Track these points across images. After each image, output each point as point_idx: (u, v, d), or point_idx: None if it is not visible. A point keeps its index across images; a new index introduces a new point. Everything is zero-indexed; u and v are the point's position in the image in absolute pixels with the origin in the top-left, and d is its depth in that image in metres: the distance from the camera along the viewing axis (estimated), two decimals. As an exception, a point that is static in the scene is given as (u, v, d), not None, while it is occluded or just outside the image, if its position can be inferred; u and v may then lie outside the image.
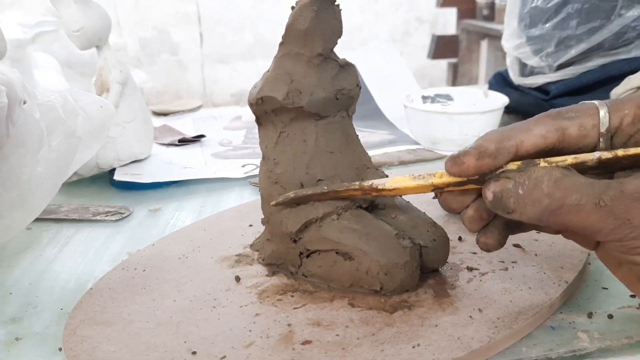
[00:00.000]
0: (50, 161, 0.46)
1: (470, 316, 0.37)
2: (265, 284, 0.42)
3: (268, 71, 0.41)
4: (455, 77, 2.41)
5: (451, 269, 0.42)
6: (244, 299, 0.40)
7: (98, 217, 0.57)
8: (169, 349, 0.35)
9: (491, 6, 2.21)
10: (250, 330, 0.36)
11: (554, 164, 0.31)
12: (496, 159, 0.32)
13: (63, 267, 0.48)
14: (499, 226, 0.34)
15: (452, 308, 0.38)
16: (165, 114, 0.93)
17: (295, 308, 0.39)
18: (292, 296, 0.40)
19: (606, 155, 0.31)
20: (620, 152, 0.31)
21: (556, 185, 0.29)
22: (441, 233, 0.41)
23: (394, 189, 0.37)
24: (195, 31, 3.00)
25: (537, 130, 0.32)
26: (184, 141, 0.78)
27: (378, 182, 0.37)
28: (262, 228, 0.47)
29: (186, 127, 0.86)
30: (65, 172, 0.49)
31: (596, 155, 0.31)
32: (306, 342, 0.35)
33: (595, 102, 0.32)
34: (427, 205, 0.52)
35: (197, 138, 0.80)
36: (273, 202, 0.41)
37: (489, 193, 0.31)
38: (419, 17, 3.08)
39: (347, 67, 0.42)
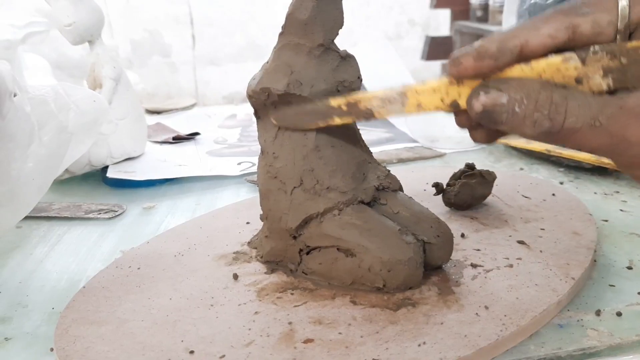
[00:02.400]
0: (41, 157, 0.45)
1: (477, 313, 0.36)
2: (264, 282, 0.41)
3: (267, 62, 0.40)
4: (449, 79, 2.40)
5: (455, 266, 0.41)
6: (242, 297, 0.39)
7: (90, 215, 0.56)
8: (166, 348, 0.34)
9: (485, 7, 2.21)
10: (249, 329, 0.35)
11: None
12: (497, 60, 0.29)
13: (54, 265, 0.47)
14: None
15: (458, 305, 0.37)
16: (158, 112, 0.92)
17: (295, 306, 0.38)
18: (292, 294, 0.39)
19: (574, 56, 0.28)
20: (617, 46, 0.28)
21: (557, 109, 0.28)
22: (445, 229, 0.40)
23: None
24: (187, 33, 2.98)
25: (546, 29, 0.29)
26: (178, 139, 0.77)
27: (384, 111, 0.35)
28: (259, 225, 0.46)
29: (180, 125, 0.85)
30: (57, 169, 0.47)
31: (571, 63, 0.29)
32: (308, 341, 0.34)
33: None
34: (430, 201, 0.51)
35: (192, 136, 0.79)
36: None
37: (477, 104, 0.29)
38: (411, 19, 3.08)
39: (348, 59, 0.40)
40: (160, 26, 2.92)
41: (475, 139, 0.34)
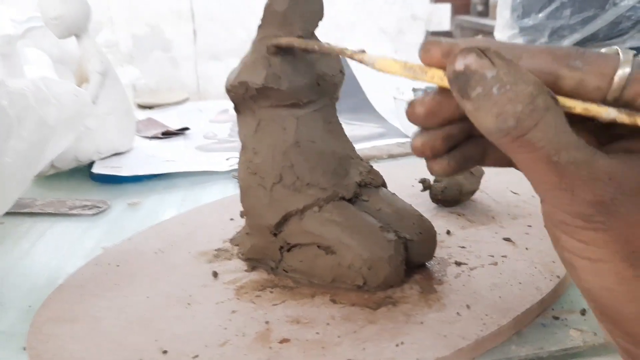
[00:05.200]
0: (20, 152, 0.44)
1: (458, 313, 0.35)
2: (243, 280, 0.40)
3: (246, 56, 0.39)
4: (449, 74, 2.39)
5: (438, 263, 0.40)
6: (220, 295, 0.38)
7: (74, 211, 0.55)
8: (139, 348, 0.33)
9: (485, 2, 2.19)
10: (225, 328, 0.35)
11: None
12: None
13: (34, 262, 0.46)
14: (455, 156, 0.29)
15: (439, 304, 0.36)
16: (150, 107, 0.91)
17: (274, 305, 0.37)
18: (271, 292, 0.38)
19: (623, 119, 0.23)
20: None
21: (531, 114, 0.23)
22: (428, 226, 0.40)
23: (380, 69, 0.30)
24: (189, 28, 2.98)
25: (526, 63, 0.25)
26: (167, 134, 0.76)
27: (367, 58, 0.31)
28: (243, 222, 0.45)
29: (171, 120, 0.84)
30: (37, 164, 0.47)
31: (611, 114, 0.24)
32: (284, 341, 0.33)
33: (621, 55, 0.24)
34: (418, 198, 0.50)
35: (182, 131, 0.78)
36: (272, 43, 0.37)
37: (460, 62, 0.24)
38: (413, 14, 3.06)
39: (329, 52, 0.39)
40: (161, 21, 2.91)
41: (432, 170, 0.30)
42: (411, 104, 0.28)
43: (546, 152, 0.23)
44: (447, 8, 2.58)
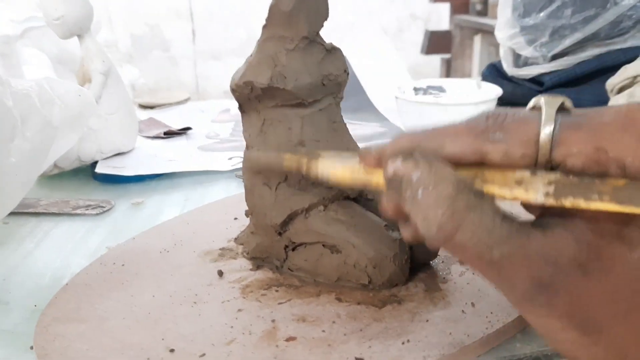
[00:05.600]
0: (24, 152, 0.44)
1: (463, 311, 0.35)
2: (249, 279, 0.40)
3: (251, 55, 0.39)
4: (449, 73, 2.39)
5: (442, 262, 0.41)
6: (226, 294, 0.38)
7: (78, 211, 0.55)
8: (146, 347, 0.33)
9: (484, 1, 2.20)
10: (231, 327, 0.35)
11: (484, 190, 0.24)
12: None
13: (38, 262, 0.46)
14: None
15: (444, 302, 0.36)
16: (151, 107, 0.91)
17: (279, 303, 0.37)
18: (276, 291, 0.38)
19: (551, 202, 0.23)
20: (573, 202, 0.22)
21: (452, 218, 0.22)
22: (432, 225, 0.40)
23: (335, 181, 0.31)
24: (188, 27, 2.97)
25: (451, 148, 0.25)
26: (169, 134, 0.76)
27: (320, 171, 0.31)
28: (247, 221, 0.45)
29: (173, 120, 0.84)
30: (42, 164, 0.47)
31: (539, 199, 0.23)
32: (290, 339, 0.33)
33: (543, 113, 0.23)
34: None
35: (184, 130, 0.78)
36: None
37: (391, 167, 0.25)
38: (413, 13, 3.06)
39: (334, 52, 0.40)
40: (160, 20, 2.91)
41: (404, 235, 0.28)
42: (364, 152, 0.28)
43: (477, 252, 0.22)
44: (446, 7, 2.58)
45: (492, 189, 0.24)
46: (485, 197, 0.23)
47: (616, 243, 0.22)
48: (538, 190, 0.23)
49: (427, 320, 0.34)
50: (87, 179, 0.64)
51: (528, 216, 0.24)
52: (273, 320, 0.35)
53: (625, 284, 0.21)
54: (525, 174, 0.23)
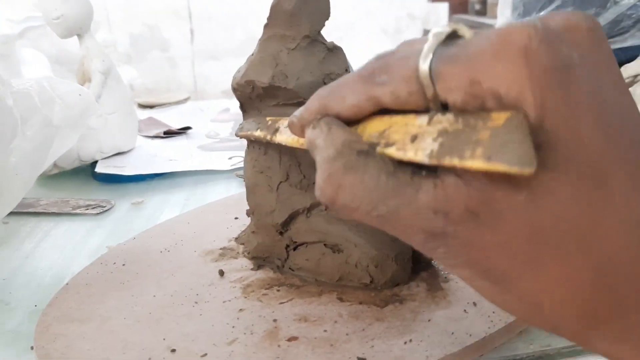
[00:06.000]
0: (25, 151, 0.44)
1: (465, 310, 0.35)
2: (250, 278, 0.40)
3: (253, 54, 0.39)
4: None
5: (444, 261, 0.41)
6: (227, 293, 0.38)
7: (78, 211, 0.55)
8: (147, 346, 0.33)
9: (483, 1, 2.20)
10: (233, 327, 0.35)
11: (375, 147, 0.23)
12: None
13: (39, 262, 0.46)
14: None
15: (446, 302, 0.36)
16: (151, 107, 0.91)
17: (281, 303, 0.37)
18: (278, 291, 0.38)
19: (432, 161, 0.20)
20: (450, 162, 0.20)
21: (329, 180, 0.22)
22: (434, 224, 0.40)
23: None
24: (186, 27, 2.97)
25: (350, 100, 0.24)
26: (169, 133, 0.76)
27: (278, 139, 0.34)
28: (248, 221, 0.45)
29: (172, 119, 0.84)
30: (42, 164, 0.47)
31: (425, 160, 0.21)
32: (292, 339, 0.33)
33: (424, 50, 0.21)
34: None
35: (183, 130, 0.78)
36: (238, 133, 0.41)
37: (306, 138, 0.25)
38: (411, 13, 3.06)
39: (335, 51, 0.40)
40: (158, 21, 2.91)
41: None
42: (290, 122, 0.28)
43: (364, 211, 0.22)
44: (444, 7, 2.58)
45: (390, 151, 0.22)
46: (370, 154, 0.22)
47: (503, 186, 0.19)
48: (425, 149, 0.21)
49: (430, 320, 0.34)
50: (87, 179, 0.64)
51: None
52: (275, 320, 0.35)
53: (517, 232, 0.20)
54: (423, 121, 0.21)
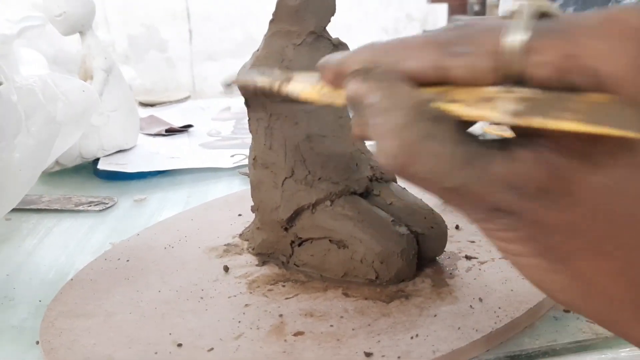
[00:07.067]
0: (28, 148, 0.44)
1: (471, 306, 0.35)
2: (255, 274, 0.40)
3: (258, 50, 0.39)
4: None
5: (449, 257, 0.41)
6: (232, 289, 0.38)
7: (81, 208, 0.55)
8: (153, 341, 0.33)
9: (482, 2, 2.20)
10: (239, 322, 0.35)
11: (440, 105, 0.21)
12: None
13: (42, 258, 0.46)
14: None
15: (451, 297, 0.36)
16: (152, 105, 0.91)
17: (286, 298, 0.37)
18: (283, 286, 0.38)
19: (518, 122, 0.19)
20: (542, 122, 0.18)
21: (405, 149, 0.20)
22: (439, 220, 0.40)
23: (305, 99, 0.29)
24: (184, 28, 2.96)
25: (412, 63, 0.21)
26: (171, 131, 0.76)
27: (291, 89, 0.30)
28: (251, 217, 0.45)
29: (174, 117, 0.84)
30: (45, 160, 0.47)
31: (506, 118, 0.19)
32: (298, 334, 0.33)
33: (514, 23, 0.20)
34: (425, 192, 0.50)
35: (185, 128, 0.78)
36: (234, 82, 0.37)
37: (349, 89, 0.23)
38: (409, 14, 3.06)
39: (341, 47, 0.40)
40: (157, 21, 2.90)
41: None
42: (323, 65, 0.26)
43: (433, 181, 0.21)
44: (443, 8, 2.58)
45: (456, 108, 0.21)
46: (443, 120, 0.20)
47: (582, 164, 0.19)
48: (506, 108, 0.19)
49: (435, 315, 0.34)
50: (89, 176, 0.64)
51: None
52: (280, 315, 0.35)
53: (592, 213, 0.19)
54: (495, 90, 0.20)
